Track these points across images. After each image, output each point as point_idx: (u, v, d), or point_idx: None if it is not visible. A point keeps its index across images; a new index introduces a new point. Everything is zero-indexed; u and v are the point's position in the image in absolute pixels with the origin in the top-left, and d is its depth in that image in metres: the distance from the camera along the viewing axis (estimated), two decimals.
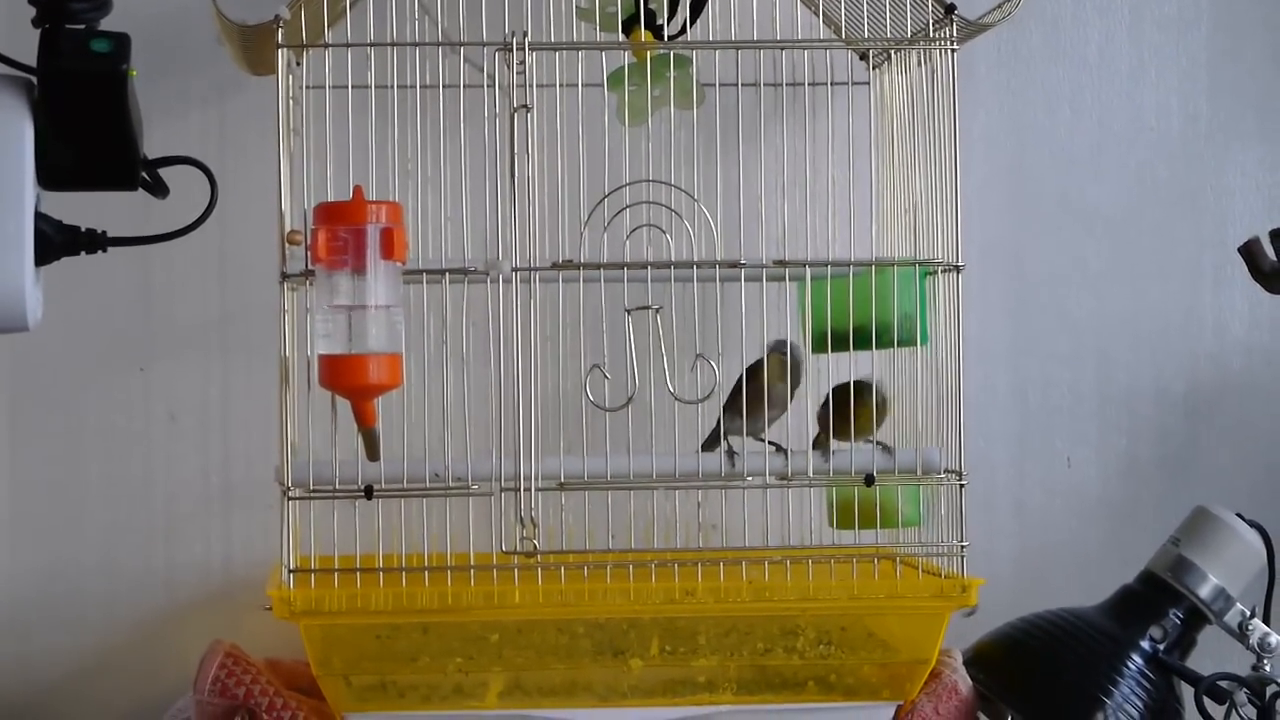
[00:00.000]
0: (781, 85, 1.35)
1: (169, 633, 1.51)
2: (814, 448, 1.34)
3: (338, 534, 1.26)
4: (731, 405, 1.32)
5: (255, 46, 1.30)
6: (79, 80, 1.06)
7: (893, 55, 1.41)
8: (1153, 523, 1.46)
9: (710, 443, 1.35)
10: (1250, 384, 1.60)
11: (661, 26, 1.34)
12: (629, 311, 1.28)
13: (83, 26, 1.07)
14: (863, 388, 1.33)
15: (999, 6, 1.31)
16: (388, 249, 1.20)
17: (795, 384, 1.34)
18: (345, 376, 1.22)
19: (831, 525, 1.36)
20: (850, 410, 1.33)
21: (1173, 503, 1.45)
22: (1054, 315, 1.59)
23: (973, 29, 1.33)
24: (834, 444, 1.32)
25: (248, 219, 1.42)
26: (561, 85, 1.33)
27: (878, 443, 1.32)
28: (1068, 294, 1.59)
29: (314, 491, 1.26)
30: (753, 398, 1.31)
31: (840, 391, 1.34)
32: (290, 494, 1.26)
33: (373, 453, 1.26)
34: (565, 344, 1.29)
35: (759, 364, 1.32)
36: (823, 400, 1.35)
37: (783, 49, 1.33)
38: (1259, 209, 1.61)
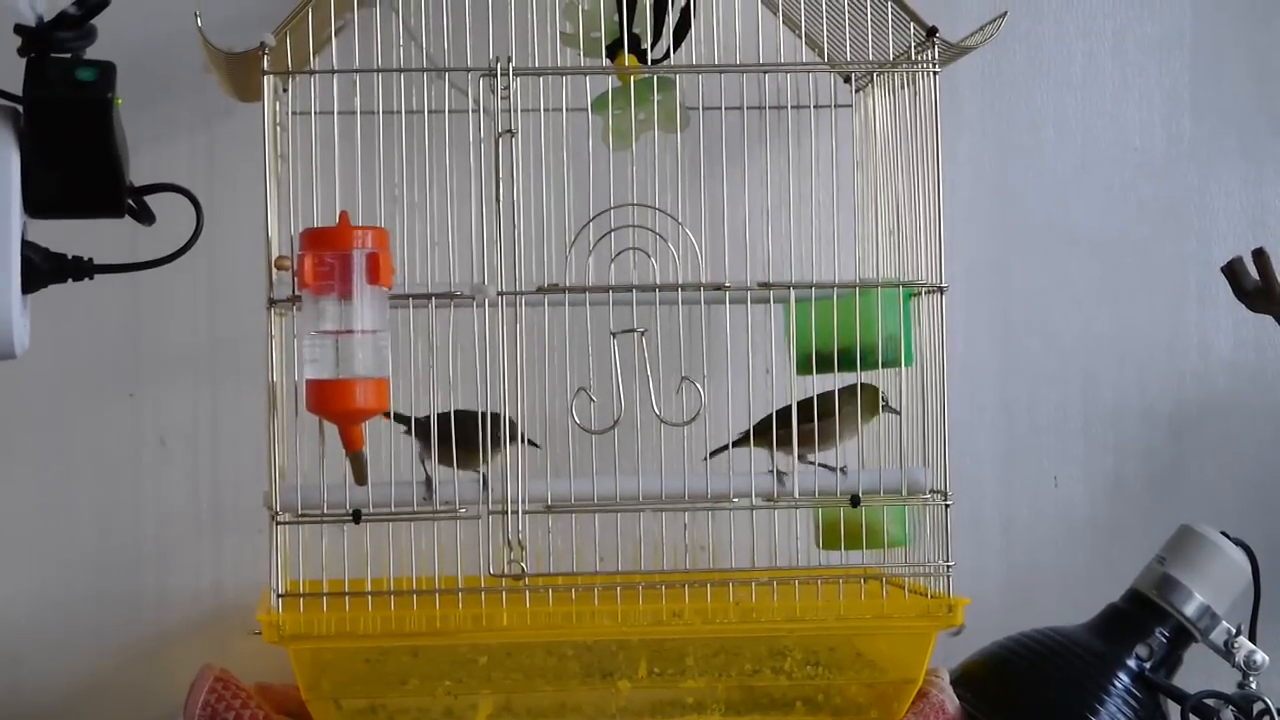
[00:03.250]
0: (765, 108, 1.36)
1: (159, 657, 1.51)
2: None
3: (326, 558, 1.27)
4: (808, 432, 1.32)
5: (242, 73, 1.31)
6: (65, 109, 1.06)
7: (875, 78, 1.42)
8: (1139, 541, 1.46)
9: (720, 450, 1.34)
10: (1235, 402, 1.61)
11: (646, 51, 1.34)
12: (614, 335, 1.28)
13: (68, 55, 1.07)
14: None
15: (981, 29, 1.32)
16: (373, 274, 1.21)
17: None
18: (333, 401, 1.22)
19: (818, 546, 1.37)
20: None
21: (1159, 521, 1.45)
22: (1040, 335, 1.60)
23: (955, 51, 1.33)
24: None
25: (236, 245, 1.43)
26: (546, 110, 1.33)
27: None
28: (1053, 313, 1.60)
29: (302, 516, 1.27)
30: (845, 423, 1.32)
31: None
32: (278, 519, 1.27)
33: (360, 477, 1.26)
34: (551, 367, 1.30)
35: (851, 395, 1.33)
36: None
37: (766, 72, 1.34)
38: (1242, 227, 1.61)
